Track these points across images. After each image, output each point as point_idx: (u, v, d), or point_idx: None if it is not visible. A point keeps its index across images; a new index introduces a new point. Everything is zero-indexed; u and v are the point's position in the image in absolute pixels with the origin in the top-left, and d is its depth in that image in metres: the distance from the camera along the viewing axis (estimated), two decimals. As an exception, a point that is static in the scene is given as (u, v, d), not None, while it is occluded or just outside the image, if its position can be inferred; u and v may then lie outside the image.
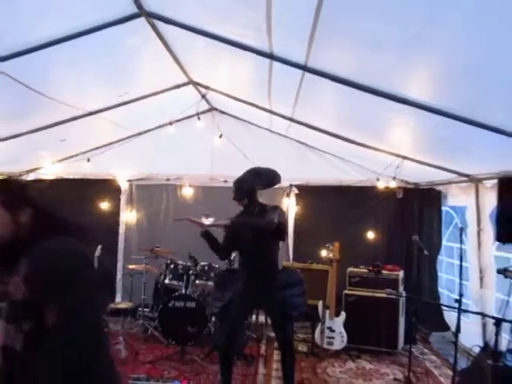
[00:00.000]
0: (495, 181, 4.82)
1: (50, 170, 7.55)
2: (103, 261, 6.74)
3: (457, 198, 6.29)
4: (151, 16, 3.72)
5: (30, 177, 7.70)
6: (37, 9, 3.25)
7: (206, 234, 4.35)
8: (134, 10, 3.58)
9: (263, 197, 7.24)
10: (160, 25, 3.92)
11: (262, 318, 6.49)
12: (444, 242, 6.90)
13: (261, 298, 4.33)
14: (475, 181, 5.52)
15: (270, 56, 3.76)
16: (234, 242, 4.47)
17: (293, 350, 4.44)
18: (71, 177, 7.58)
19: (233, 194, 4.42)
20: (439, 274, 6.89)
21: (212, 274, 6.29)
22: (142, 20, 3.75)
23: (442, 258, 6.97)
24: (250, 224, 4.29)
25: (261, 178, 4.48)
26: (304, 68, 3.72)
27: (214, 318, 6.09)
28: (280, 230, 4.26)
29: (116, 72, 4.82)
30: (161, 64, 4.86)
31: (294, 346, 4.54)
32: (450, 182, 6.27)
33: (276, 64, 3.90)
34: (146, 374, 4.77)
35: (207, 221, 4.66)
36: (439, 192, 6.79)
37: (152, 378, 4.70)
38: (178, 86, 5.66)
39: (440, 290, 6.86)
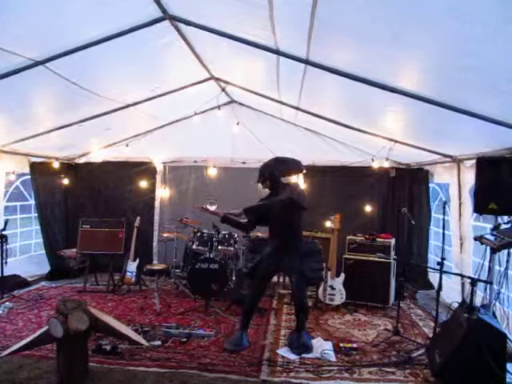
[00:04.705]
0: (473, 161, 4.66)
1: (97, 154, 7.57)
2: (142, 230, 6.84)
3: (441, 176, 6.13)
4: (174, 19, 3.64)
5: (82, 160, 7.76)
6: (76, 16, 3.22)
7: (225, 219, 4.34)
8: (158, 14, 3.51)
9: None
10: (183, 27, 3.84)
11: (274, 278, 6.50)
12: (433, 214, 6.74)
13: (284, 262, 4.34)
14: (457, 161, 5.37)
15: (277, 52, 3.67)
16: (261, 219, 4.42)
17: (303, 305, 4.44)
18: (115, 160, 7.59)
19: (257, 178, 4.41)
20: (430, 241, 6.74)
21: (232, 241, 6.32)
22: (167, 23, 3.68)
23: (431, 227, 6.82)
24: (272, 203, 4.24)
25: (283, 166, 4.38)
26: (306, 62, 3.63)
27: (234, 277, 6.16)
28: (293, 203, 4.16)
29: (148, 69, 4.76)
30: (185, 62, 4.76)
31: (305, 302, 4.50)
32: (435, 163, 6.11)
33: (282, 59, 3.81)
34: (176, 323, 4.81)
35: (212, 207, 4.63)
36: (427, 171, 6.60)
37: (181, 326, 4.73)
38: (201, 82, 5.56)
39: (429, 255, 6.72)
